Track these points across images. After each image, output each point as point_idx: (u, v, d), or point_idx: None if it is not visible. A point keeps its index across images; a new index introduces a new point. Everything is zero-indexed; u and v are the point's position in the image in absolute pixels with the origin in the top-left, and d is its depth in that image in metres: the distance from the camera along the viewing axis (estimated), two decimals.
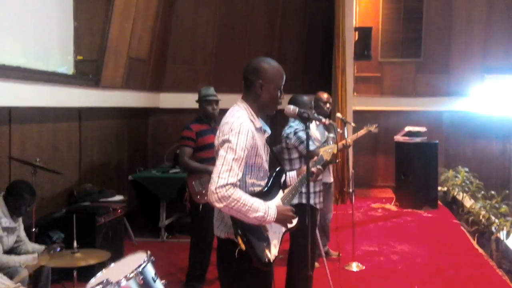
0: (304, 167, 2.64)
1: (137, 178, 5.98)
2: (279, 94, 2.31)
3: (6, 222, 3.56)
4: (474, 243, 5.72)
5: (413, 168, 7.35)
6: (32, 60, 4.87)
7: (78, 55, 5.65)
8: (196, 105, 4.48)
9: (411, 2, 8.57)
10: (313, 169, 2.66)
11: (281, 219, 2.22)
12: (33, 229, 3.94)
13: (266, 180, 2.34)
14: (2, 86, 4.22)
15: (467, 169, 7.60)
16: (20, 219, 3.75)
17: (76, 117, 5.56)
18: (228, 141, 2.14)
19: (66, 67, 5.52)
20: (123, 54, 6.27)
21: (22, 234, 3.75)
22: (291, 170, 2.96)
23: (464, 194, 7.22)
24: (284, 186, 2.46)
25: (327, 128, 4.24)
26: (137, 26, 6.47)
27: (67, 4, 5.56)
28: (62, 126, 5.29)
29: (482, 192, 6.81)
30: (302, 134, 3.61)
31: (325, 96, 4.64)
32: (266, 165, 2.35)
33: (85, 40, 5.70)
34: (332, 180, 4.83)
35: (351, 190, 4.86)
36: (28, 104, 4.60)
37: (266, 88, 2.28)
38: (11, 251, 3.62)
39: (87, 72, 5.70)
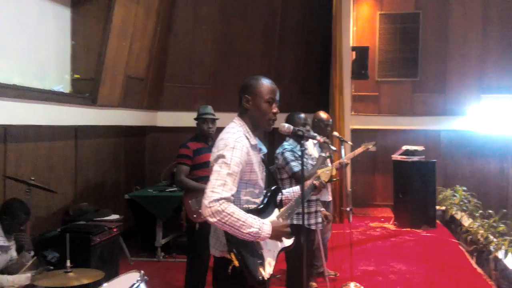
0: (309, 181, 2.63)
1: (133, 197, 5.93)
2: (269, 107, 2.31)
3: (0, 241, 3.51)
4: (473, 262, 5.67)
5: (411, 187, 7.32)
6: (28, 79, 4.89)
7: (75, 74, 5.68)
8: (193, 124, 4.48)
9: (408, 23, 8.67)
10: (316, 183, 2.65)
11: (276, 235, 2.19)
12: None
13: (261, 198, 2.33)
14: None
15: (465, 188, 7.57)
16: (13, 238, 3.70)
17: (73, 135, 5.55)
18: (222, 156, 2.14)
19: (63, 85, 5.54)
20: (120, 73, 6.29)
21: (15, 253, 3.70)
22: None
23: (462, 213, 7.18)
24: (280, 204, 2.44)
25: (321, 146, 4.23)
26: (134, 45, 6.52)
27: (64, 22, 5.62)
28: (58, 145, 5.26)
29: (480, 211, 6.78)
30: (289, 155, 3.59)
31: (325, 116, 4.59)
32: (261, 183, 2.34)
33: (82, 58, 5.73)
34: (330, 198, 4.79)
35: (348, 208, 4.83)
36: (23, 122, 4.59)
37: (253, 102, 2.29)
38: (3, 270, 3.56)
39: (84, 91, 5.71)
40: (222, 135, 2.27)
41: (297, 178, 3.25)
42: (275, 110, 2.33)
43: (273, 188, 2.41)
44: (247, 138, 2.26)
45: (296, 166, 3.59)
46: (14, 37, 4.79)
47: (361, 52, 7.96)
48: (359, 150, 4.77)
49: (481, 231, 5.99)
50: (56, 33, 5.49)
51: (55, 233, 4.66)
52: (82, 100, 5.62)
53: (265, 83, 2.33)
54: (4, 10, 4.65)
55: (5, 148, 4.41)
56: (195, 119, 4.43)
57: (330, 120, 4.67)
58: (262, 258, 2.22)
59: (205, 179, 4.00)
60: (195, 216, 4.15)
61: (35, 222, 4.72)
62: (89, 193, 5.86)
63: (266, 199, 2.32)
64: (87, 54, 5.73)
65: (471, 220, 6.80)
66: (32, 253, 3.63)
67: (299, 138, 2.39)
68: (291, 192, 2.59)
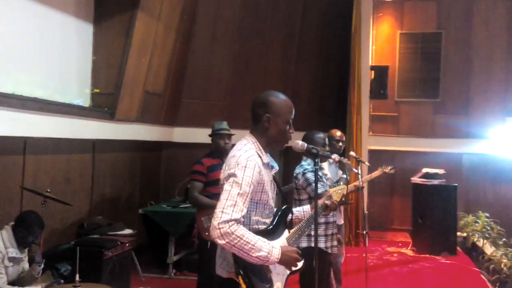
0: (320, 200, 2.55)
1: (146, 212, 5.92)
2: (287, 128, 2.26)
3: (13, 252, 3.54)
4: None
5: (431, 212, 7.10)
6: (50, 92, 4.98)
7: (95, 88, 5.76)
8: (209, 140, 4.47)
9: (429, 42, 8.56)
10: (327, 202, 2.56)
11: (286, 260, 2.12)
12: None
13: (271, 218, 2.26)
14: (19, 116, 4.29)
15: (487, 214, 7.32)
16: (27, 250, 3.71)
17: (90, 149, 5.60)
18: (233, 175, 2.08)
19: (83, 99, 5.63)
20: (139, 88, 6.36)
21: (27, 265, 3.70)
22: None
23: (485, 241, 6.93)
24: (290, 225, 2.37)
25: (341, 166, 4.14)
26: (153, 61, 6.60)
27: (86, 38, 5.73)
28: (75, 158, 5.31)
29: (504, 239, 6.53)
30: (311, 176, 3.51)
31: (338, 134, 4.48)
32: (272, 203, 2.27)
33: (102, 73, 5.82)
34: (342, 221, 4.66)
35: (364, 232, 4.69)
36: (43, 135, 4.66)
37: (273, 122, 2.23)
38: (15, 282, 3.56)
39: (103, 105, 5.79)
40: (233, 152, 2.22)
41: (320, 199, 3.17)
42: (292, 130, 2.28)
43: (283, 208, 2.34)
44: (259, 156, 2.20)
45: (321, 187, 3.50)
46: (37, 52, 4.90)
47: (380, 72, 7.88)
48: (376, 173, 4.63)
49: (505, 260, 5.77)
50: (78, 48, 5.61)
51: (69, 246, 4.67)
52: (100, 114, 5.69)
53: (286, 101, 2.27)
54: (29, 25, 4.78)
55: (24, 159, 4.46)
56: (210, 135, 4.41)
57: (344, 137, 4.56)
58: (270, 282, 2.15)
59: (219, 196, 4.00)
60: (207, 233, 4.09)
61: (50, 234, 4.74)
62: (104, 206, 5.88)
63: (276, 220, 2.26)
64: (107, 69, 5.82)
65: (493, 248, 6.56)
66: (42, 265, 3.62)
67: (313, 157, 2.32)
68: (301, 211, 2.52)
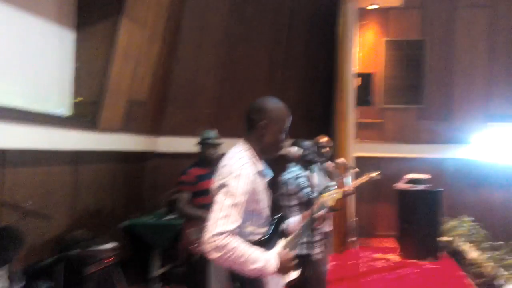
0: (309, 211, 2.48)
1: (130, 224, 5.77)
2: (283, 136, 2.19)
3: None
4: None
5: (416, 217, 7.14)
6: (30, 101, 4.82)
7: (77, 97, 5.61)
8: (195, 150, 4.38)
9: (413, 49, 8.68)
10: (321, 213, 2.51)
11: (283, 270, 2.04)
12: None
13: (267, 227, 2.19)
14: None
15: (472, 218, 7.38)
16: (6, 267, 3.55)
17: (72, 160, 5.42)
18: (226, 185, 2.00)
19: (64, 108, 5.46)
20: (123, 97, 6.22)
21: (6, 283, 3.54)
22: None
23: (470, 245, 6.98)
24: (285, 234, 2.29)
25: (329, 175, 4.10)
26: (138, 69, 6.48)
27: (68, 45, 5.59)
28: (56, 170, 5.13)
29: (490, 242, 6.58)
30: (303, 180, 3.47)
31: (324, 139, 4.45)
32: (267, 211, 2.20)
33: (85, 81, 5.67)
34: (331, 228, 4.61)
35: (353, 239, 4.64)
36: (22, 146, 4.48)
37: (270, 129, 2.16)
38: None
39: (86, 114, 5.63)
40: (226, 160, 2.14)
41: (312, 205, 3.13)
42: (287, 139, 2.23)
43: (277, 216, 2.28)
44: (253, 164, 2.13)
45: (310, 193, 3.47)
46: (16, 59, 4.74)
47: (366, 79, 7.94)
48: (363, 179, 4.61)
49: (490, 263, 5.80)
50: (59, 55, 5.45)
51: (50, 262, 4.50)
52: (83, 124, 5.53)
53: (284, 110, 2.21)
54: (7, 31, 4.62)
55: (2, 172, 4.28)
56: (200, 143, 4.33)
57: (330, 143, 4.52)
58: None
59: (208, 206, 3.89)
60: (194, 246, 3.99)
61: (30, 249, 4.55)
62: (86, 220, 5.69)
63: (271, 229, 2.19)
64: (90, 77, 5.68)
65: (478, 251, 6.60)
66: (24, 283, 3.47)
67: (307, 164, 2.27)
68: (297, 220, 2.45)
